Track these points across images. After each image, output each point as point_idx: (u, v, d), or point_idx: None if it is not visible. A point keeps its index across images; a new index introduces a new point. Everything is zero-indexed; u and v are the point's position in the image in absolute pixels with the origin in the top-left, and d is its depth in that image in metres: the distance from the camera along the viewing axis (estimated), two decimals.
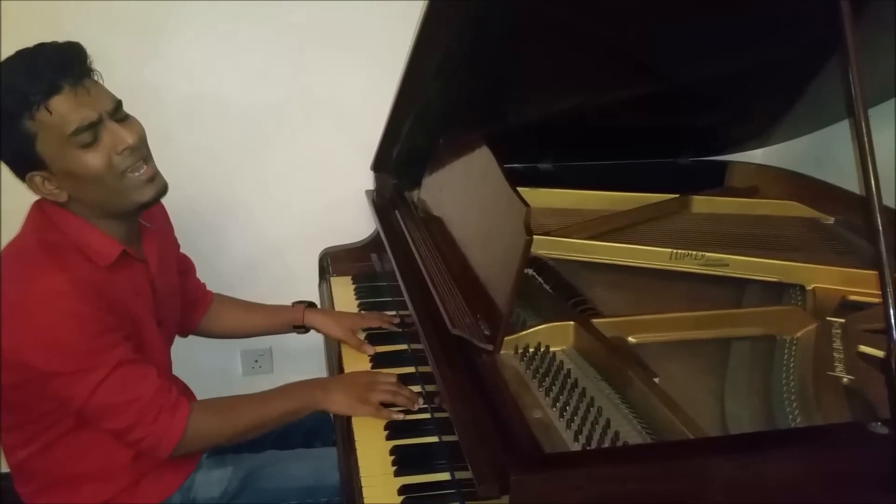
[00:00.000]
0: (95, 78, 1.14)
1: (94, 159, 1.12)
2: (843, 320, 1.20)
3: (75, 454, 1.25)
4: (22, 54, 1.11)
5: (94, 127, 1.11)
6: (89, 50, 1.14)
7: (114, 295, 1.19)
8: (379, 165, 1.79)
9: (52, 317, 1.11)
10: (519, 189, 1.14)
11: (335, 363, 1.52)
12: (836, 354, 1.12)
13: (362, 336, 1.55)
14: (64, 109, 1.09)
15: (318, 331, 1.61)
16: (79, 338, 1.12)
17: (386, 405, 1.29)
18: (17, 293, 1.12)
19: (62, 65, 1.09)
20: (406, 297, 1.31)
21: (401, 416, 1.27)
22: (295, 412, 1.32)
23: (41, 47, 1.11)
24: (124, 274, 1.23)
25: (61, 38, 1.14)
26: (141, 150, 1.18)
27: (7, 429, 1.28)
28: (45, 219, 1.19)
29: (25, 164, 1.13)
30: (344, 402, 1.30)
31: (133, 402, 1.16)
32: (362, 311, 1.66)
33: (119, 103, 1.16)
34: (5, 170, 1.81)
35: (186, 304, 1.51)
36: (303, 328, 1.62)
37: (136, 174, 1.17)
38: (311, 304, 1.65)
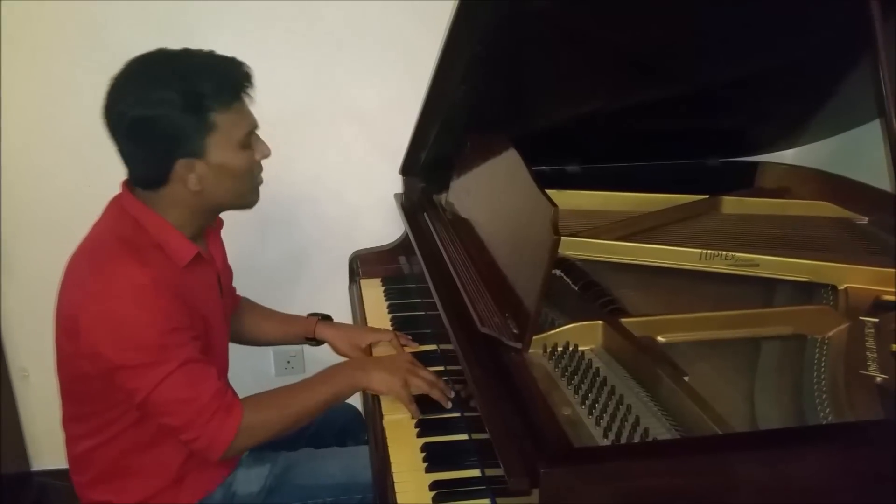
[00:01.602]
0: None
1: (247, 159, 1.25)
2: (876, 319, 1.20)
3: (133, 449, 1.28)
4: (210, 56, 1.21)
5: (252, 133, 1.26)
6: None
7: (188, 294, 1.23)
8: (407, 169, 1.81)
9: (129, 309, 1.15)
10: (546, 191, 1.15)
11: None
12: (868, 353, 1.11)
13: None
14: (244, 112, 1.23)
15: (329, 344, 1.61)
16: (152, 332, 1.15)
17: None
18: (97, 285, 1.16)
19: (246, 74, 1.22)
20: (435, 297, 1.33)
21: (419, 416, 1.29)
22: (338, 395, 1.34)
23: (220, 55, 1.21)
24: (197, 273, 1.27)
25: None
26: None
27: (73, 419, 1.32)
28: (125, 216, 1.24)
29: (184, 150, 1.18)
30: (385, 380, 1.32)
31: (192, 400, 1.19)
32: (375, 328, 1.62)
33: None
34: (6, 168, 1.88)
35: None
36: (315, 341, 1.63)
37: (259, 178, 1.30)
38: (324, 317, 1.65)
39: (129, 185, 1.27)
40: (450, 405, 1.31)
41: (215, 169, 1.21)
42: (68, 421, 1.34)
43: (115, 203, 1.27)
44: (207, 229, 1.36)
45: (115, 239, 1.21)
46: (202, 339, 1.26)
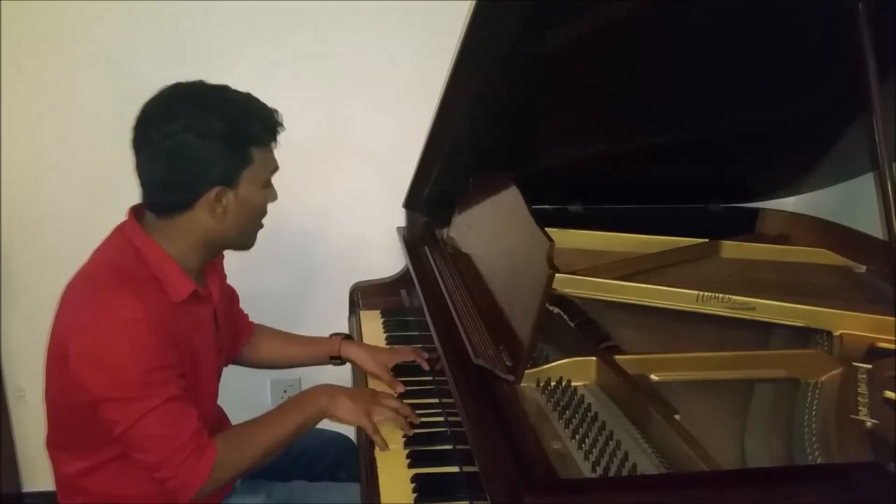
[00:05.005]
0: None
1: (265, 197, 1.31)
2: (869, 366, 1.20)
3: (122, 476, 1.27)
4: (249, 95, 1.26)
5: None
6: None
7: (180, 329, 1.23)
8: (410, 203, 1.83)
9: (117, 343, 1.14)
10: (548, 229, 1.16)
11: None
12: (860, 399, 1.11)
13: None
14: (272, 154, 1.30)
15: (353, 363, 1.63)
16: (137, 367, 1.15)
17: None
18: (89, 314, 1.17)
19: (281, 122, 1.29)
20: (432, 330, 1.34)
21: (388, 448, 1.29)
22: (306, 423, 1.35)
23: (263, 101, 1.27)
24: (192, 308, 1.28)
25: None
26: None
27: (57, 445, 1.32)
28: (128, 245, 1.24)
29: (220, 179, 1.22)
30: (350, 408, 1.35)
31: (171, 438, 1.18)
32: (395, 347, 1.66)
33: None
34: (6, 170, 1.92)
35: (233, 332, 1.55)
36: (339, 359, 1.64)
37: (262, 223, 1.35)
38: (347, 337, 1.67)
39: (135, 212, 1.27)
40: (411, 432, 1.33)
41: (241, 201, 1.25)
42: (52, 447, 1.33)
43: (119, 231, 1.28)
44: (207, 264, 1.36)
45: (114, 268, 1.21)
46: (189, 375, 1.26)
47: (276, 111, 1.28)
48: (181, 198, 1.22)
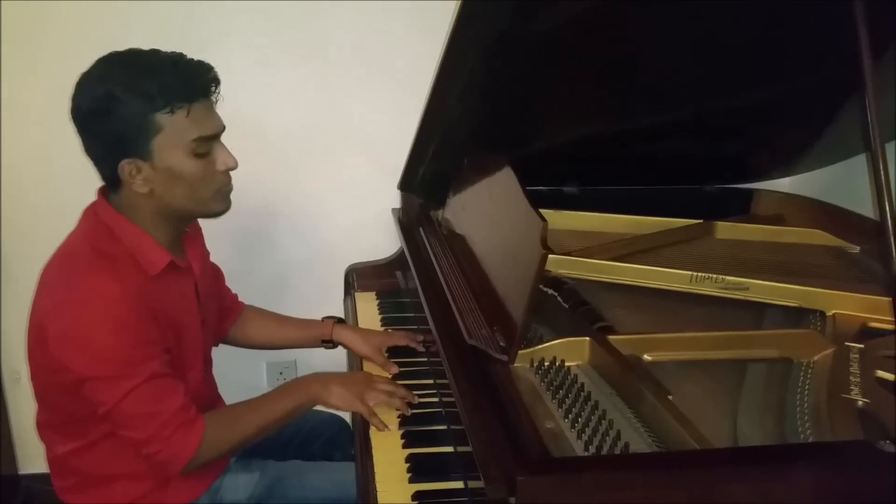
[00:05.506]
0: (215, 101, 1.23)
1: (200, 168, 1.20)
2: (861, 345, 1.20)
3: (113, 454, 1.27)
4: (171, 57, 1.17)
5: (211, 141, 1.21)
6: None
7: (160, 303, 1.22)
8: (405, 185, 1.83)
9: (97, 322, 1.14)
10: (543, 211, 1.16)
11: None
12: (852, 378, 1.11)
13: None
14: (198, 117, 1.17)
15: (345, 347, 1.63)
16: (118, 345, 1.15)
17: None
18: (65, 295, 1.16)
19: (207, 79, 1.19)
20: (427, 311, 1.34)
21: (386, 429, 1.30)
22: (298, 409, 1.35)
23: (185, 57, 1.18)
24: (171, 280, 1.26)
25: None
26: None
27: (47, 426, 1.32)
28: (100, 224, 1.23)
29: (128, 150, 1.15)
30: (343, 395, 1.35)
31: (156, 415, 1.18)
32: (389, 329, 1.67)
33: (224, 128, 1.24)
34: (6, 170, 1.91)
35: (219, 310, 1.54)
36: (331, 343, 1.63)
37: (224, 187, 1.26)
38: (340, 320, 1.66)
39: (103, 192, 1.26)
40: (409, 412, 1.33)
41: (163, 173, 1.17)
42: (43, 427, 1.33)
43: (90, 210, 1.26)
44: (184, 237, 1.35)
45: (88, 248, 1.20)
46: (173, 350, 1.25)
47: (202, 69, 1.18)
48: (107, 172, 1.20)
